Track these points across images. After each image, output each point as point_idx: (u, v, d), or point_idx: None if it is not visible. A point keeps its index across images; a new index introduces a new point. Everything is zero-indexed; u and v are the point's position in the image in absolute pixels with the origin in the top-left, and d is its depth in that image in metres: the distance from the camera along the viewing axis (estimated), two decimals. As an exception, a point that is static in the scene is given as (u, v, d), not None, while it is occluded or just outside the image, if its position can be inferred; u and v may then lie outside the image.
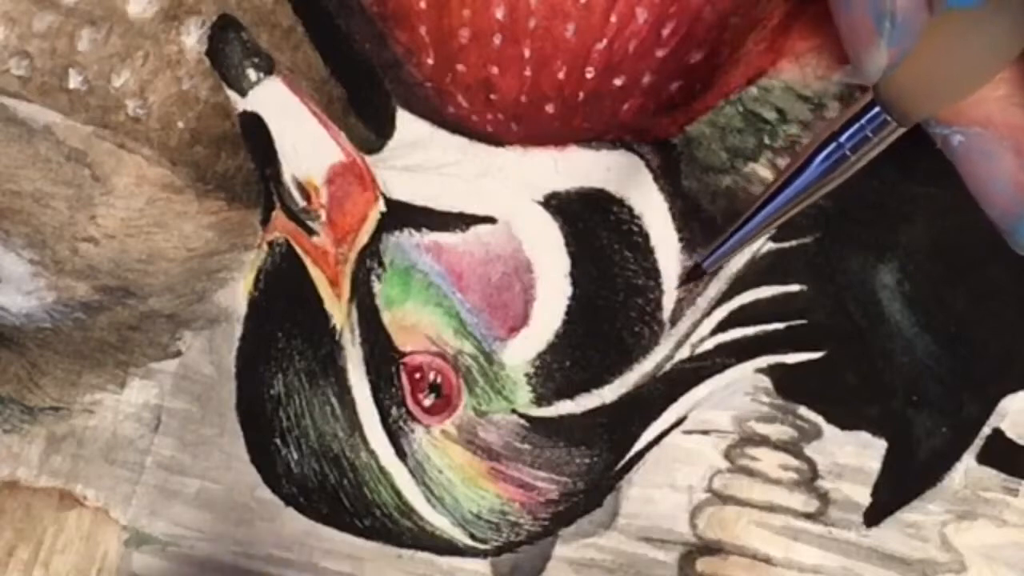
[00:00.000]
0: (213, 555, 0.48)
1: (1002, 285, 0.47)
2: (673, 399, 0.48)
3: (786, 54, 0.47)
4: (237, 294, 0.48)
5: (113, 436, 0.48)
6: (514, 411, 0.47)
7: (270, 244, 0.48)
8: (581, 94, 0.46)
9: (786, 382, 0.48)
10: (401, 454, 0.47)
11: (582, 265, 0.47)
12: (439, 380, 0.47)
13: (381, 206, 0.47)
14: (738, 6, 0.45)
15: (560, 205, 0.47)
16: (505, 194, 0.47)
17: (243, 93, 0.47)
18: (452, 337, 0.47)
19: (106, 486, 0.48)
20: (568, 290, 0.47)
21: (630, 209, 0.47)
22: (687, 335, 0.48)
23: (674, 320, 0.47)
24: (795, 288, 0.48)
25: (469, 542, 0.47)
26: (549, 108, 0.47)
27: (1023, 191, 0.39)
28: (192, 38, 0.48)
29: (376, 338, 0.47)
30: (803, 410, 0.48)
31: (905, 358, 0.47)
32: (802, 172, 0.41)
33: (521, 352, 0.47)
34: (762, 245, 0.47)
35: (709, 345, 0.48)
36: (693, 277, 0.46)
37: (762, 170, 0.47)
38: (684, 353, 0.48)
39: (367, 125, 0.48)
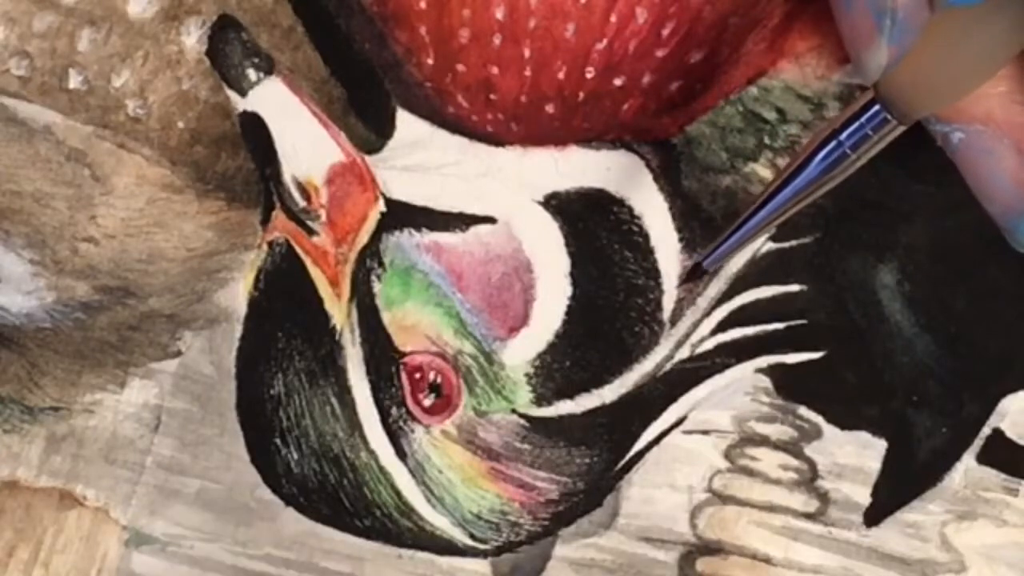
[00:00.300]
0: (213, 555, 0.48)
1: (1002, 285, 0.47)
2: (673, 399, 0.48)
3: (786, 54, 0.47)
4: (237, 294, 0.48)
5: (113, 436, 0.48)
6: (514, 411, 0.47)
7: (270, 244, 0.48)
8: (581, 94, 0.46)
9: (786, 382, 0.48)
10: (401, 454, 0.47)
11: (582, 265, 0.47)
12: (439, 380, 0.47)
13: (381, 206, 0.47)
14: (738, 6, 0.45)
15: (560, 205, 0.47)
16: (505, 194, 0.47)
17: (243, 93, 0.47)
18: (452, 337, 0.47)
19: (106, 486, 0.48)
20: (568, 290, 0.47)
21: (630, 209, 0.47)
22: (687, 335, 0.48)
23: (674, 320, 0.47)
24: (795, 288, 0.48)
25: (469, 542, 0.47)
26: (549, 108, 0.47)
27: (1023, 188, 0.40)
28: (192, 38, 0.48)
29: (376, 338, 0.47)
30: (803, 410, 0.48)
31: (905, 358, 0.47)
32: (802, 171, 0.41)
33: (521, 352, 0.47)
34: (762, 245, 0.47)
35: (709, 345, 0.48)
36: (694, 276, 0.46)
37: (762, 170, 0.47)
38: (684, 353, 0.48)
39: (367, 125, 0.48)
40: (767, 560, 0.47)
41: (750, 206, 0.43)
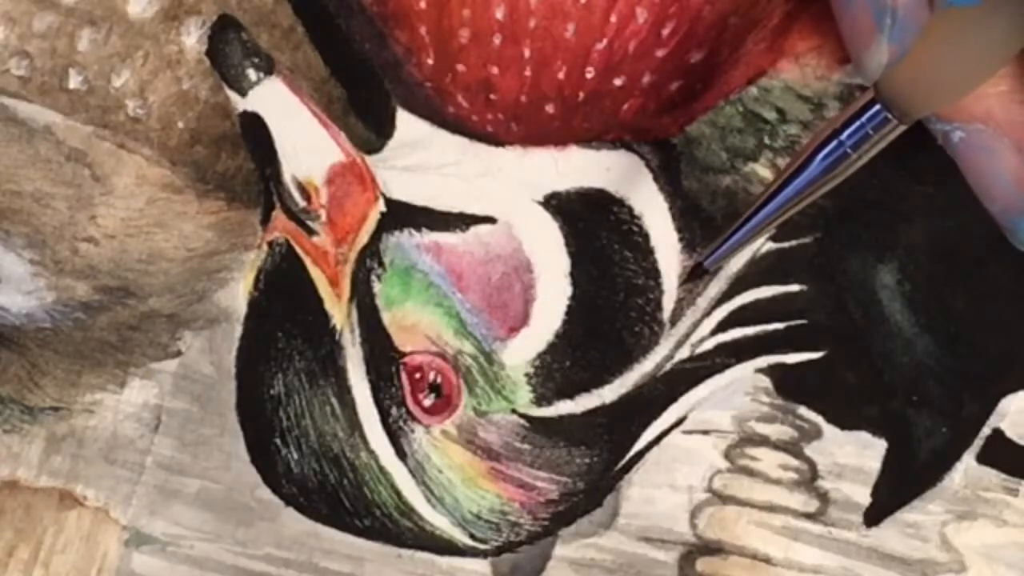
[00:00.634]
0: (213, 555, 0.48)
1: (1002, 285, 0.47)
2: (673, 399, 0.48)
3: (786, 54, 0.47)
4: (237, 294, 0.48)
5: (113, 436, 0.48)
6: (514, 411, 0.47)
7: (270, 244, 0.48)
8: (581, 94, 0.46)
9: (786, 382, 0.48)
10: (401, 454, 0.47)
11: (582, 265, 0.47)
12: (439, 380, 0.47)
13: (381, 206, 0.47)
14: (738, 6, 0.45)
15: (560, 205, 0.47)
16: (505, 194, 0.47)
17: (243, 93, 0.47)
18: (452, 337, 0.47)
19: (106, 486, 0.48)
20: (568, 290, 0.47)
21: (630, 209, 0.47)
22: (687, 335, 0.48)
23: (674, 320, 0.47)
24: (795, 288, 0.48)
25: (469, 542, 0.47)
26: (549, 108, 0.47)
27: (1023, 187, 0.40)
28: (192, 38, 0.48)
29: (376, 338, 0.47)
30: (803, 410, 0.48)
31: (905, 358, 0.47)
32: (803, 170, 0.41)
33: (521, 352, 0.47)
34: (762, 245, 0.47)
35: (709, 345, 0.48)
36: (694, 276, 0.46)
37: (762, 170, 0.47)
38: (684, 353, 0.48)
39: (367, 125, 0.48)
40: (767, 560, 0.47)
41: (750, 206, 0.43)
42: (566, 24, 0.45)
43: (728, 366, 0.48)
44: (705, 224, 0.47)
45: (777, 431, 0.48)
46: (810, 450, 0.48)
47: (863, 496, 0.47)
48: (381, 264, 0.47)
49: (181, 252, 0.48)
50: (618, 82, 0.46)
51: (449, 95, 0.47)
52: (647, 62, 0.46)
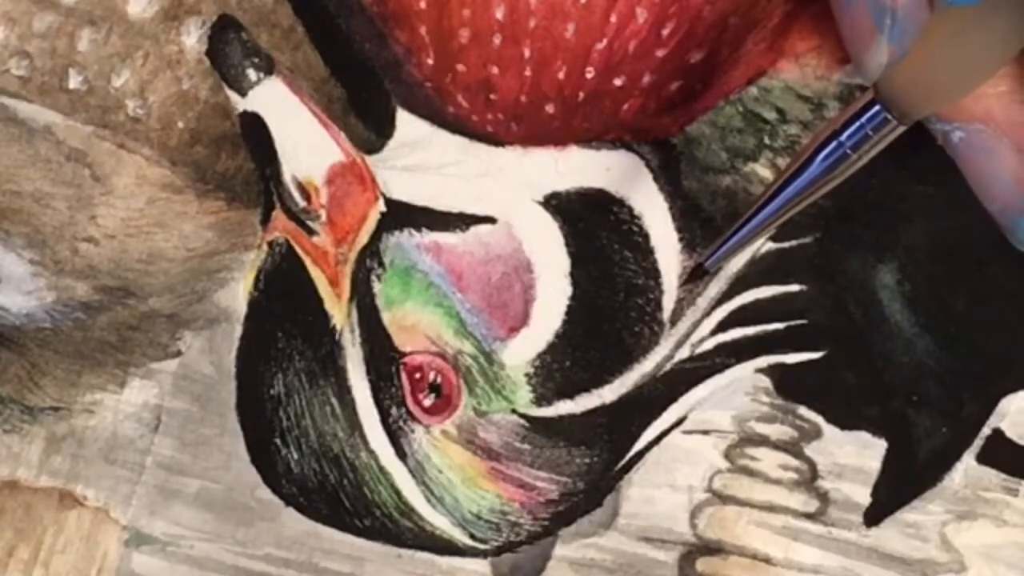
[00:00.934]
0: (213, 555, 0.48)
1: (1002, 285, 0.47)
2: (673, 399, 0.48)
3: (786, 54, 0.47)
4: (237, 294, 0.48)
5: (113, 436, 0.48)
6: (514, 411, 0.47)
7: (270, 244, 0.48)
8: (581, 94, 0.46)
9: (786, 382, 0.48)
10: (401, 454, 0.47)
11: (582, 265, 0.47)
12: (439, 380, 0.47)
13: (381, 206, 0.47)
14: (738, 6, 0.45)
15: (560, 205, 0.47)
16: (505, 194, 0.47)
17: (243, 93, 0.47)
18: (452, 337, 0.47)
19: (106, 486, 0.48)
20: (568, 290, 0.47)
21: (630, 209, 0.47)
22: (687, 335, 0.48)
23: (674, 320, 0.47)
24: (795, 288, 0.48)
25: (469, 542, 0.47)
26: (549, 108, 0.47)
27: (1023, 187, 0.40)
28: (192, 38, 0.48)
29: (376, 338, 0.47)
30: (803, 410, 0.48)
31: (905, 358, 0.47)
32: (803, 171, 0.41)
33: (521, 352, 0.47)
34: (762, 245, 0.47)
35: (709, 345, 0.48)
36: (695, 277, 0.46)
37: (762, 170, 0.47)
38: (684, 353, 0.48)
39: (367, 125, 0.48)
40: (767, 560, 0.47)
41: (751, 206, 0.43)
42: (566, 24, 0.45)
43: (728, 366, 0.48)
44: (705, 224, 0.47)
45: (777, 431, 0.48)
46: (810, 450, 0.48)
47: (863, 496, 0.47)
48: (381, 264, 0.47)
49: (181, 252, 0.48)
50: (618, 82, 0.46)
51: (449, 95, 0.47)
52: (647, 62, 0.46)
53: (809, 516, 0.47)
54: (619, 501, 0.48)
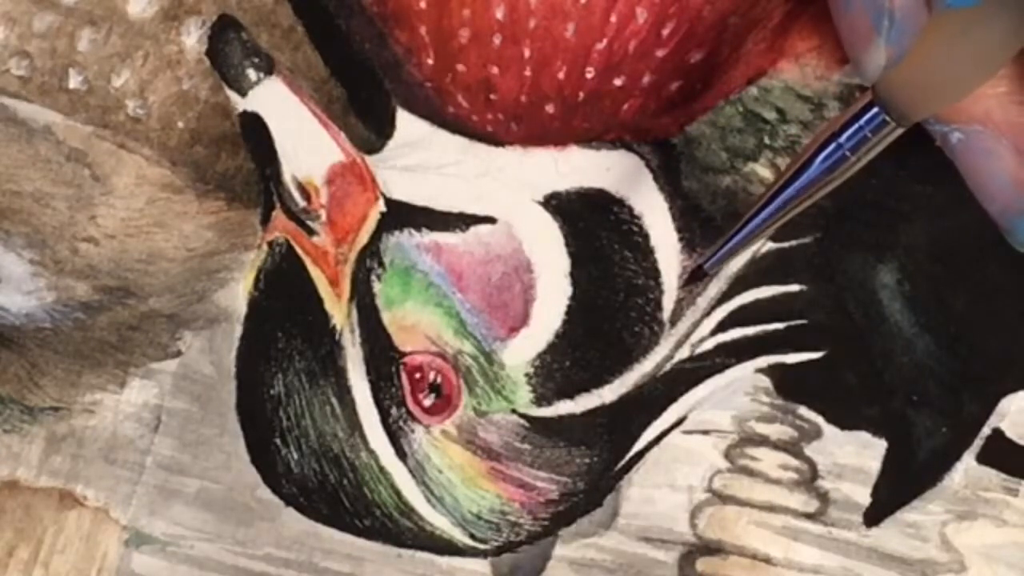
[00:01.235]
0: (213, 555, 0.48)
1: (1002, 285, 0.47)
2: (673, 399, 0.48)
3: (786, 54, 0.47)
4: (237, 294, 0.48)
5: (113, 436, 0.48)
6: (514, 411, 0.47)
7: (270, 244, 0.48)
8: (581, 94, 0.46)
9: (786, 382, 0.48)
10: (401, 454, 0.47)
11: (582, 265, 0.47)
12: (439, 380, 0.47)
13: (381, 206, 0.47)
14: (738, 6, 0.45)
15: (560, 205, 0.47)
16: (505, 194, 0.47)
17: (243, 93, 0.47)
18: (452, 337, 0.47)
19: (106, 486, 0.48)
20: (568, 290, 0.47)
21: (630, 209, 0.47)
22: (687, 335, 0.48)
23: (674, 320, 0.47)
24: (795, 288, 0.48)
25: (469, 542, 0.47)
26: (549, 108, 0.47)
27: (1023, 188, 0.39)
28: (192, 38, 0.48)
29: (376, 338, 0.47)
30: (803, 410, 0.48)
31: (905, 358, 0.47)
32: (802, 173, 0.41)
33: (521, 352, 0.47)
34: (762, 245, 0.47)
35: (709, 345, 0.48)
36: (695, 279, 0.46)
37: (762, 170, 0.47)
38: (684, 353, 0.48)
39: (367, 125, 0.48)
40: (767, 560, 0.47)
41: (751, 207, 0.43)
42: (566, 24, 0.45)
43: (728, 366, 0.48)
44: (705, 224, 0.47)
45: (777, 431, 0.48)
46: (810, 450, 0.48)
47: (863, 496, 0.47)
48: (381, 264, 0.47)
49: (181, 252, 0.48)
50: (618, 82, 0.46)
51: (449, 95, 0.47)
52: (647, 62, 0.46)
53: (809, 516, 0.47)
54: (619, 501, 0.48)
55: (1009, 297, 0.47)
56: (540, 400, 0.47)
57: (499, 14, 0.45)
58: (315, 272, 0.47)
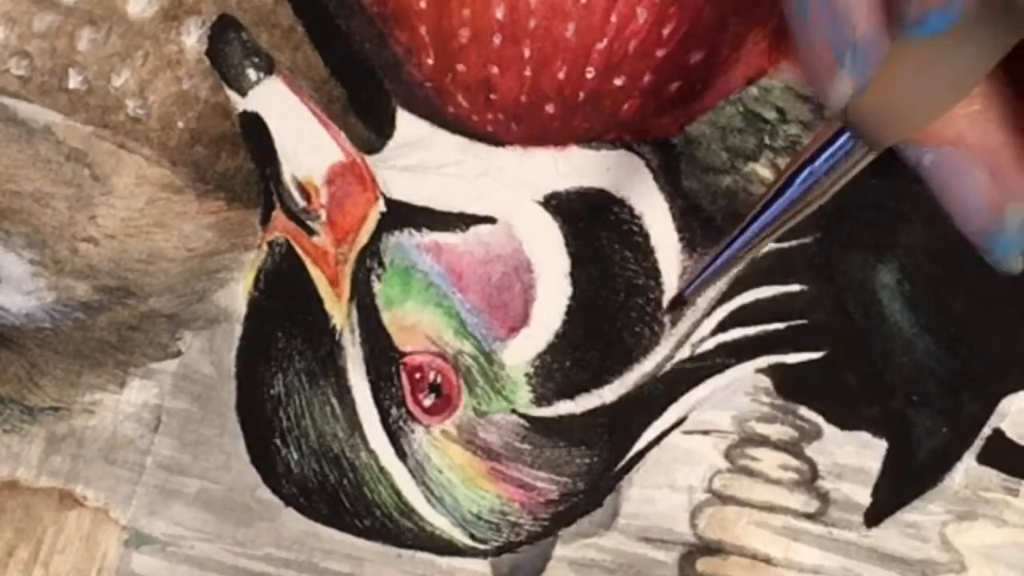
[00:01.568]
0: (213, 555, 0.48)
1: (1002, 285, 0.47)
2: (673, 399, 0.48)
3: (786, 54, 0.47)
4: (237, 294, 0.48)
5: (113, 436, 0.48)
6: (514, 411, 0.47)
7: (270, 244, 0.48)
8: (581, 94, 0.46)
9: (786, 382, 0.48)
10: (401, 454, 0.47)
11: (582, 265, 0.47)
12: (439, 380, 0.47)
13: (381, 206, 0.47)
14: (738, 6, 0.45)
15: (560, 205, 0.47)
16: (505, 194, 0.47)
17: (243, 93, 0.47)
18: (452, 337, 0.47)
19: (106, 486, 0.48)
20: (568, 290, 0.47)
21: (630, 209, 0.47)
22: (687, 335, 0.48)
23: (674, 320, 0.47)
24: (795, 288, 0.48)
25: (469, 542, 0.47)
26: (549, 108, 0.47)
27: (997, 209, 0.39)
28: (192, 38, 0.48)
29: (376, 338, 0.47)
30: (803, 410, 0.48)
31: (905, 358, 0.47)
32: (779, 198, 0.40)
33: (521, 352, 0.47)
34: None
35: (709, 345, 0.48)
36: (675, 306, 0.46)
37: (762, 170, 0.47)
38: (684, 353, 0.48)
39: (367, 125, 0.48)
40: (767, 560, 0.47)
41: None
42: (566, 24, 0.45)
43: (728, 366, 0.48)
44: (705, 224, 0.47)
45: (777, 431, 0.48)
46: (810, 450, 0.48)
47: (863, 496, 0.47)
48: (381, 264, 0.47)
49: (181, 252, 0.48)
50: (618, 82, 0.46)
51: (449, 95, 0.47)
52: (647, 62, 0.46)
53: (809, 516, 0.47)
54: (619, 501, 0.48)
55: (1009, 297, 0.47)
56: (540, 400, 0.47)
57: (499, 14, 0.45)
58: (315, 272, 0.47)
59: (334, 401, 0.47)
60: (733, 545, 0.47)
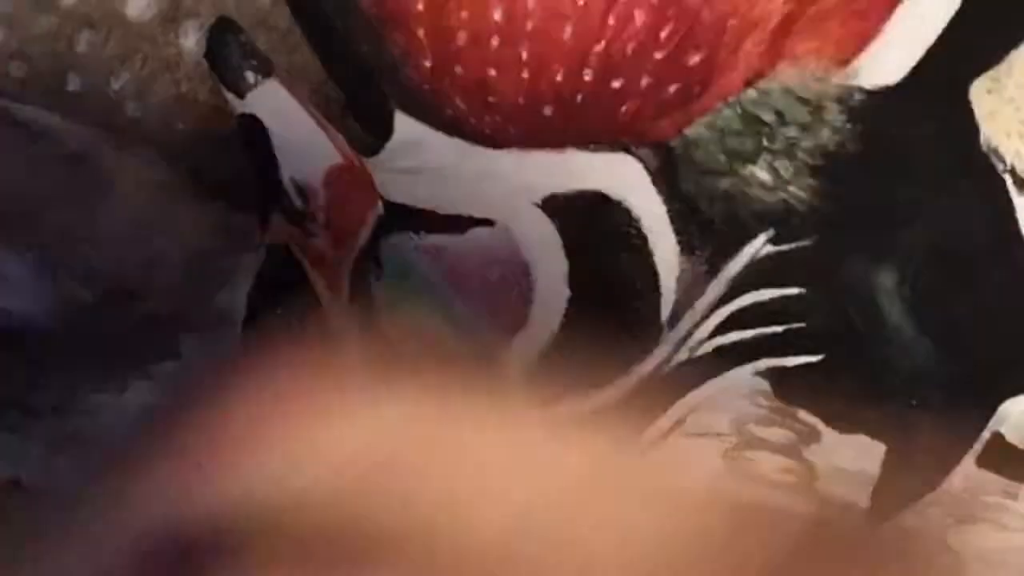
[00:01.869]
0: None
1: (1002, 288, 0.47)
2: (671, 402, 0.47)
3: (785, 56, 0.47)
4: (237, 295, 0.48)
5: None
6: (513, 412, 0.47)
7: (269, 246, 0.48)
8: (579, 96, 0.46)
9: (785, 385, 0.48)
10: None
11: (580, 267, 0.47)
12: (437, 382, 0.47)
13: (379, 208, 0.47)
14: (736, 8, 0.45)
15: (558, 207, 0.47)
16: (503, 197, 0.47)
17: (241, 95, 0.47)
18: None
19: (106, 487, 0.48)
20: (566, 292, 0.47)
21: (628, 212, 0.47)
22: (686, 338, 0.47)
23: (672, 323, 0.47)
24: (794, 291, 0.47)
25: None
26: (547, 110, 0.46)
27: None
28: (190, 40, 0.48)
29: (375, 339, 0.47)
30: (802, 413, 0.48)
31: (904, 361, 0.47)
32: None
33: (520, 354, 0.47)
34: (761, 248, 0.47)
35: (708, 348, 0.48)
36: None
37: (761, 172, 0.47)
38: (683, 356, 0.48)
39: (365, 127, 0.48)
40: (765, 563, 0.47)
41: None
42: (564, 26, 0.45)
43: (727, 369, 0.48)
44: (703, 226, 0.47)
45: (776, 434, 0.48)
46: (809, 453, 0.47)
47: (863, 499, 0.47)
48: (379, 266, 0.47)
49: (180, 254, 0.48)
50: (616, 84, 0.46)
51: (447, 97, 0.47)
52: (645, 64, 0.46)
53: (808, 519, 0.47)
54: (617, 503, 0.48)
55: (1009, 300, 0.47)
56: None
57: (497, 16, 0.45)
58: (314, 274, 0.47)
59: (333, 402, 0.47)
60: (731, 548, 0.47)
